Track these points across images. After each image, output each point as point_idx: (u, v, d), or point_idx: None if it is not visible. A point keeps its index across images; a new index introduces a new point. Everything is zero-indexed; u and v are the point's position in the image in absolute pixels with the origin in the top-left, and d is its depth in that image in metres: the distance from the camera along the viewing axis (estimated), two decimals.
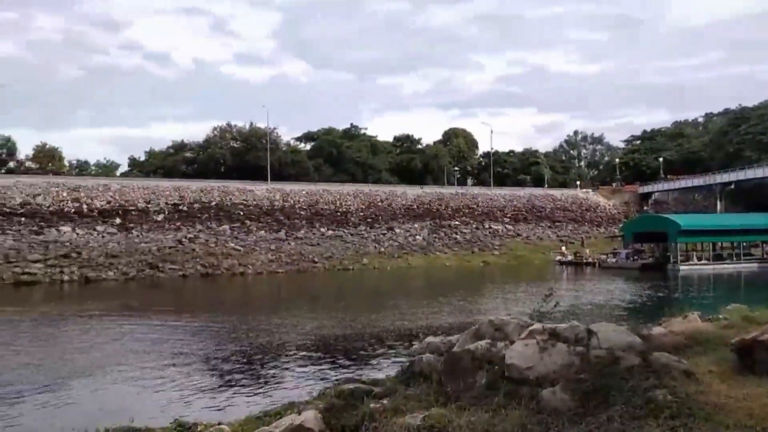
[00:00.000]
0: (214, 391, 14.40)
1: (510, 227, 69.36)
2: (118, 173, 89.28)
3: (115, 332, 22.65)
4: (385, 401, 7.45)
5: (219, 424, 9.95)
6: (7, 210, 48.17)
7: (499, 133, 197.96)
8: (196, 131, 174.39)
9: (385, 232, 61.66)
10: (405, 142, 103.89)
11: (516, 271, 50.76)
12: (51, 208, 49.97)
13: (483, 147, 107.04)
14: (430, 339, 9.58)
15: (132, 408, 12.40)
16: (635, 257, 53.05)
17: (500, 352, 7.26)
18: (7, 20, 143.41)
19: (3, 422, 12.14)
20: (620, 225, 68.65)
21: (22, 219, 47.66)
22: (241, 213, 57.55)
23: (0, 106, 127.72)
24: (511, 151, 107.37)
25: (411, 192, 71.70)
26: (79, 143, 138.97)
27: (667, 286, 38.01)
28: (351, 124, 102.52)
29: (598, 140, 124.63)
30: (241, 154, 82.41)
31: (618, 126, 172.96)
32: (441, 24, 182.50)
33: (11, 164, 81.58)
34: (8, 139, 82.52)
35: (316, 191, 65.90)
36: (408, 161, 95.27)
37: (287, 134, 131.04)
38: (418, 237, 62.26)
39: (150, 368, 16.53)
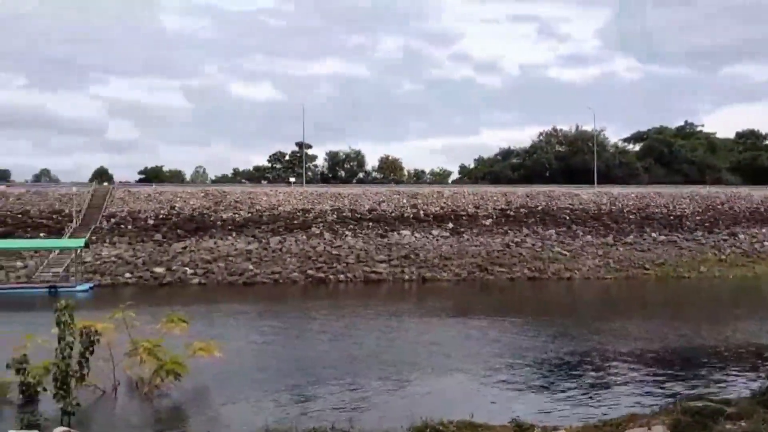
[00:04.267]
0: (545, 393, 14.65)
1: None
2: (450, 180, 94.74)
3: (454, 330, 24.22)
4: (742, 423, 6.98)
5: (555, 429, 10.13)
6: (358, 216, 54.35)
7: None
8: (522, 137, 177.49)
9: (726, 237, 56.15)
10: (749, 137, 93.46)
11: None
12: (393, 214, 55.09)
13: None
14: None
15: (470, 403, 13.10)
16: None
17: None
18: (358, 44, 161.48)
19: (348, 406, 13.51)
20: None
21: (370, 223, 53.33)
22: (567, 217, 57.12)
23: (352, 123, 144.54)
24: None
25: (757, 193, 64.16)
26: (416, 153, 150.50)
27: None
28: (685, 121, 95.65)
29: None
30: (567, 158, 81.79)
31: None
32: None
33: (360, 175, 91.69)
34: (358, 152, 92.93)
35: (646, 194, 62.60)
36: (753, 159, 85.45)
37: (614, 135, 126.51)
38: (766, 243, 55.58)
39: (486, 366, 17.36)
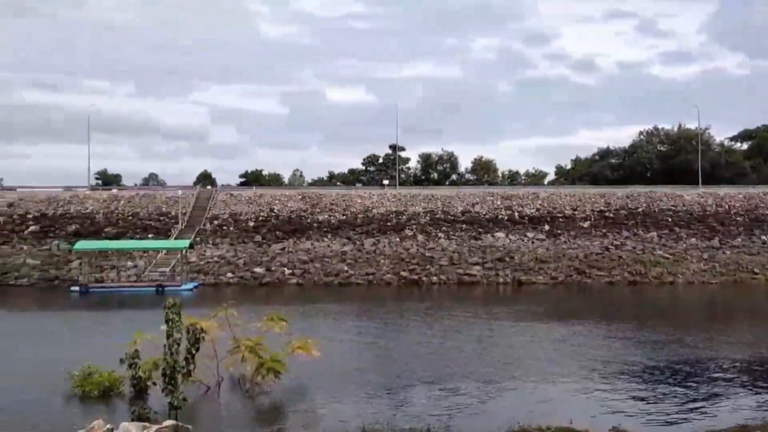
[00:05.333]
0: (649, 401, 14.20)
1: None
2: (545, 182, 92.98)
3: (550, 335, 23.74)
4: None
5: None
6: (451, 217, 54.17)
7: None
8: (621, 136, 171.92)
9: None
10: None
11: None
12: (487, 216, 54.57)
13: None
14: None
15: (569, 409, 12.87)
16: None
17: None
18: (451, 45, 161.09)
19: (444, 409, 13.56)
20: None
21: (464, 225, 53.02)
22: (669, 219, 54.92)
23: (445, 124, 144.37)
24: None
25: None
26: (510, 154, 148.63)
27: None
28: None
29: None
30: (669, 158, 78.88)
31: None
32: None
33: (454, 177, 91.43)
34: (451, 154, 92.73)
35: (755, 194, 59.28)
36: None
37: (720, 134, 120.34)
38: None
39: (587, 371, 16.98)
